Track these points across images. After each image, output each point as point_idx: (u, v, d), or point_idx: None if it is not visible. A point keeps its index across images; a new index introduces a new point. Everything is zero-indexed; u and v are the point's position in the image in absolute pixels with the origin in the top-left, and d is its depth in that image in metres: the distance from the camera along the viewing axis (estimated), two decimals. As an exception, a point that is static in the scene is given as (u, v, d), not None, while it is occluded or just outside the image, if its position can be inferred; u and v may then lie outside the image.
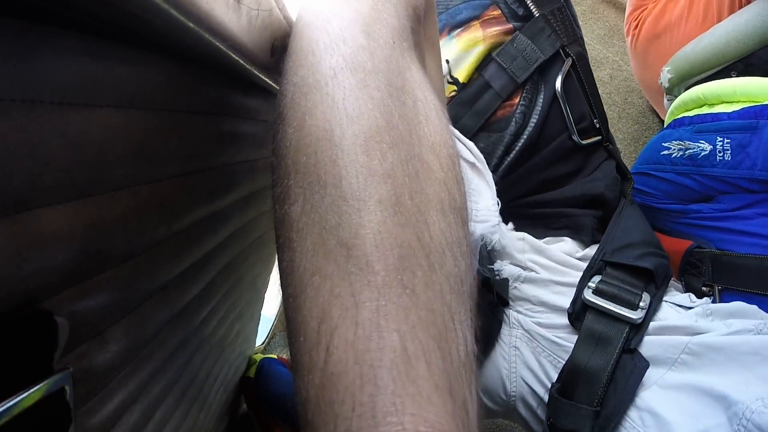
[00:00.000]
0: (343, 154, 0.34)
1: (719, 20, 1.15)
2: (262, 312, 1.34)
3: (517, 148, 0.90)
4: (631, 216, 0.86)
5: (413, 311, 0.31)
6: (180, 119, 0.42)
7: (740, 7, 1.11)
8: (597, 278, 0.72)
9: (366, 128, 0.36)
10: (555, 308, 0.74)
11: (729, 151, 0.98)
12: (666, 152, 1.09)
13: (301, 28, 0.42)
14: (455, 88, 0.96)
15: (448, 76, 0.96)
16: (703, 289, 1.03)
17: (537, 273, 0.78)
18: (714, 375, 0.59)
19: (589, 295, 0.71)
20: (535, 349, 0.73)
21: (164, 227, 0.44)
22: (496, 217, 0.79)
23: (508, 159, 0.91)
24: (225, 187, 0.60)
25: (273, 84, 0.57)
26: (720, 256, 1.00)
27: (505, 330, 0.78)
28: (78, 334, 0.34)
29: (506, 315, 0.79)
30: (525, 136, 0.90)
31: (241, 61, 0.44)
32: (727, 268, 0.98)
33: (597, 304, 0.70)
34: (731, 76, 1.09)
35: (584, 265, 0.78)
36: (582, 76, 0.97)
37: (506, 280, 0.79)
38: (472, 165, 0.80)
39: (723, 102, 1.06)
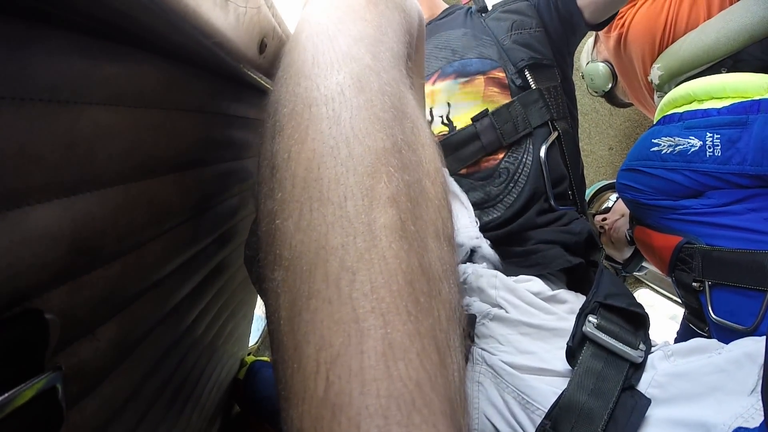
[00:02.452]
0: (349, 174, 0.34)
1: (709, 17, 1.15)
2: (255, 311, 1.33)
3: (508, 204, 0.97)
4: (612, 275, 0.85)
5: (417, 339, 0.30)
6: (170, 117, 0.42)
7: (730, 5, 1.12)
8: (593, 317, 0.71)
9: (373, 150, 0.35)
10: (522, 350, 0.73)
11: (719, 147, 0.99)
12: (656, 149, 1.10)
13: (304, 40, 0.41)
14: (447, 130, 1.04)
15: (445, 118, 1.05)
16: (694, 284, 1.04)
17: (507, 312, 0.77)
18: (685, 404, 0.58)
19: (591, 328, 0.69)
20: (499, 385, 0.71)
21: (154, 226, 0.44)
22: (475, 231, 0.83)
23: (496, 214, 0.98)
24: (216, 185, 0.60)
25: (262, 81, 0.57)
26: (710, 252, 1.01)
27: (468, 366, 0.76)
28: (69, 332, 0.34)
29: (470, 351, 0.77)
30: (515, 194, 0.98)
31: (230, 59, 0.44)
32: (718, 263, 0.99)
33: (600, 338, 0.68)
34: (721, 73, 1.11)
35: (553, 308, 0.77)
36: (565, 150, 1.06)
37: (474, 316, 0.78)
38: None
39: (712, 98, 1.07)
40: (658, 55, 1.29)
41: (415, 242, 0.34)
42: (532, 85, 1.04)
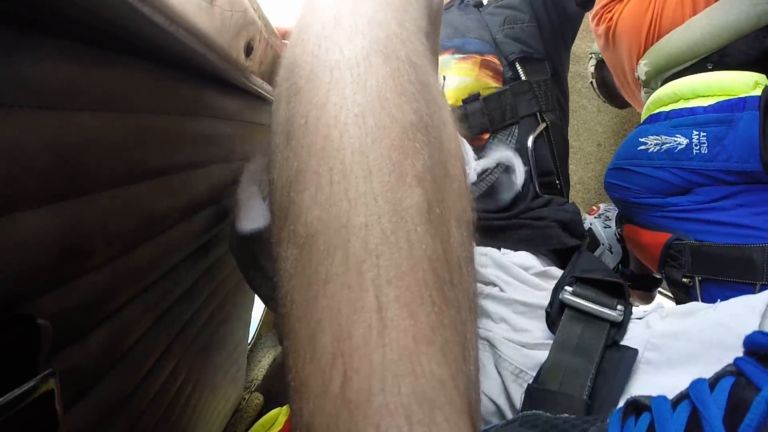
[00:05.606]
0: (374, 146, 0.31)
1: (695, 13, 1.16)
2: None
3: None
4: (590, 255, 0.87)
5: (440, 331, 0.28)
6: (157, 121, 0.42)
7: (715, 1, 1.13)
8: (569, 287, 0.72)
9: (400, 122, 0.32)
10: (517, 328, 0.73)
11: (705, 144, 1.00)
12: (643, 147, 1.11)
13: (323, 1, 0.38)
14: None
15: None
16: (684, 280, 1.05)
17: (501, 290, 0.77)
18: (685, 366, 0.57)
19: (567, 295, 0.70)
20: (495, 356, 0.71)
21: (144, 230, 0.44)
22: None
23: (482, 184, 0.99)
24: (206, 187, 0.60)
25: (249, 83, 0.57)
26: (699, 247, 1.02)
27: None
28: (61, 337, 0.34)
29: None
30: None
31: (216, 62, 0.44)
32: (707, 258, 1.00)
33: (577, 302, 0.69)
34: (707, 69, 1.12)
35: (545, 284, 0.78)
36: (552, 141, 1.09)
37: None
38: None
39: (698, 96, 1.08)
40: (644, 52, 1.30)
41: (441, 227, 0.32)
42: (523, 77, 1.07)
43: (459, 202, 0.36)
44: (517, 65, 1.07)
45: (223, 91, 0.57)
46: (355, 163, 0.30)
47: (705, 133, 1.00)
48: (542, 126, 1.06)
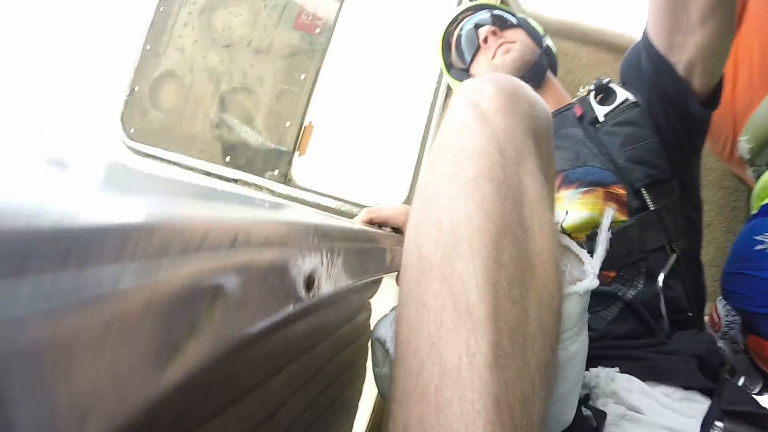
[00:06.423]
0: (477, 243, 0.44)
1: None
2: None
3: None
4: (735, 385, 0.84)
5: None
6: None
7: None
8: (720, 422, 0.70)
9: (497, 225, 0.46)
10: None
11: None
12: (760, 247, 0.98)
13: (451, 134, 0.55)
14: None
15: (559, 226, 1.01)
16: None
17: (644, 414, 0.74)
18: None
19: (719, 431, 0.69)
20: None
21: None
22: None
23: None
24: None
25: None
26: None
27: None
28: None
29: None
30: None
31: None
32: None
33: None
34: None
35: (690, 410, 0.75)
36: (684, 271, 1.01)
37: (603, 413, 0.74)
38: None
39: None
40: (741, 128, 1.20)
41: (518, 299, 0.44)
42: (650, 206, 1.01)
43: (543, 288, 0.48)
44: (644, 192, 1.01)
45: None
46: (466, 251, 0.45)
47: None
48: (673, 258, 0.99)
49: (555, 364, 0.46)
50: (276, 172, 1.83)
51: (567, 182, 1.07)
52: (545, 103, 0.65)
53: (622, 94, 1.12)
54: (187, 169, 1.90)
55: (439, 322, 0.41)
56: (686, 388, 0.81)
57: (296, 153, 1.83)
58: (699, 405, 0.77)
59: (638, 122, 1.07)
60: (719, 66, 1.02)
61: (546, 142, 0.62)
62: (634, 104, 1.10)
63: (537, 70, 1.28)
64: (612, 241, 0.90)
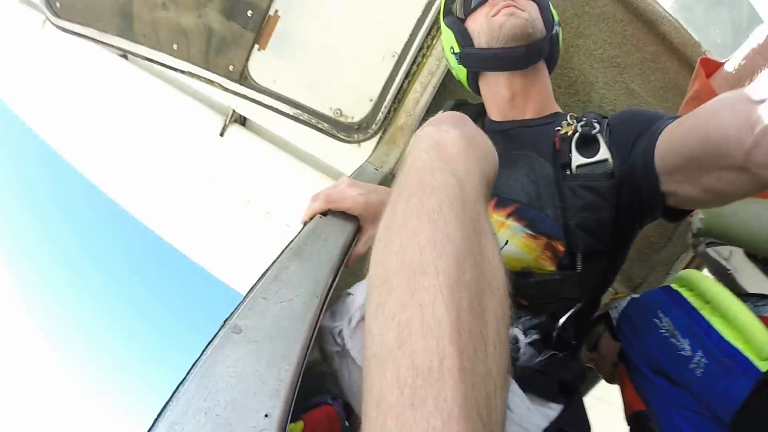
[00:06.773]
0: (442, 263, 0.51)
1: None
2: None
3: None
4: (580, 409, 1.02)
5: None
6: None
7: None
8: None
9: (458, 249, 0.53)
10: None
11: (702, 370, 0.98)
12: (657, 322, 1.12)
13: (414, 171, 0.63)
14: None
15: None
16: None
17: (513, 412, 0.88)
18: None
19: None
20: None
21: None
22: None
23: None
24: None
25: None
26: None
27: None
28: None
29: None
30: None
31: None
32: None
33: None
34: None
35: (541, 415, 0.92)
36: (584, 314, 1.12)
37: None
38: None
39: (722, 318, 1.02)
40: None
41: (478, 318, 0.50)
42: (578, 268, 1.06)
43: (498, 306, 0.55)
44: (578, 257, 1.06)
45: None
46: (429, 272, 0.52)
47: (707, 362, 0.97)
48: (577, 306, 1.06)
49: (510, 369, 0.52)
50: (231, 67, 1.60)
51: (518, 216, 1.10)
52: (495, 152, 0.75)
53: (603, 153, 1.10)
54: (125, 52, 1.62)
55: (409, 331, 0.47)
56: (546, 399, 0.96)
57: (255, 46, 1.59)
58: (551, 412, 0.93)
59: (603, 196, 1.07)
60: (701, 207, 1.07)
61: (491, 187, 0.72)
62: (610, 175, 1.08)
63: (533, 51, 1.22)
64: (533, 285, 1.05)
